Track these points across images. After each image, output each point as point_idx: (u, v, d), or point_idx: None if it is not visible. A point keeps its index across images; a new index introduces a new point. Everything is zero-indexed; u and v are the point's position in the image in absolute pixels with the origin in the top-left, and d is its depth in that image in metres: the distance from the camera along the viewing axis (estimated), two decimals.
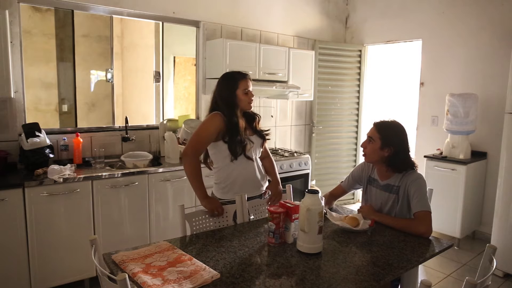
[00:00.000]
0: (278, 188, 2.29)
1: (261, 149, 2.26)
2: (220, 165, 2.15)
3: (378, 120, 2.07)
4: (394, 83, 5.46)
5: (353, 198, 5.06)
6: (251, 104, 2.14)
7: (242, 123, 2.15)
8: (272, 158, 2.41)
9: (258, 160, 2.24)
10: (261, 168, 2.25)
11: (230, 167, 2.12)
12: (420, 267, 2.23)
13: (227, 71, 2.28)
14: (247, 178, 2.16)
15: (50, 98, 4.18)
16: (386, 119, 2.06)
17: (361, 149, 2.09)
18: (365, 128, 4.87)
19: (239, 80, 2.10)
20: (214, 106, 2.15)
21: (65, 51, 4.08)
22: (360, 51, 4.83)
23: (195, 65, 3.86)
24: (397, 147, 1.97)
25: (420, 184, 1.93)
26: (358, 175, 2.22)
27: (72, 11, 3.59)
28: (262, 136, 2.23)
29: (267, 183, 2.32)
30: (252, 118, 2.22)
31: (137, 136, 3.41)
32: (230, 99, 2.09)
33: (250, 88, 2.13)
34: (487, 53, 3.74)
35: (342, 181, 2.33)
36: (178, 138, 3.25)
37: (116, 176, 2.74)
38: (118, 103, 4.56)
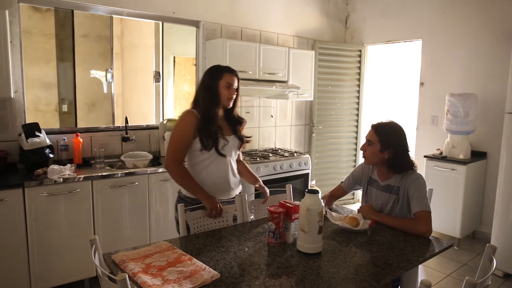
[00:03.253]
0: (259, 183, 2.21)
1: (238, 152, 2.18)
2: (193, 161, 2.05)
3: (375, 122, 2.05)
4: (394, 83, 5.46)
5: (353, 198, 5.06)
6: (231, 102, 2.04)
7: (219, 116, 2.05)
8: (244, 161, 2.32)
9: (234, 162, 2.14)
10: (235, 171, 2.14)
11: (202, 164, 2.02)
12: (420, 267, 2.23)
13: None
14: (219, 177, 2.05)
15: (50, 98, 4.18)
16: (384, 121, 2.04)
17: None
18: (365, 128, 4.87)
19: (224, 72, 2.02)
20: (195, 98, 2.07)
21: (65, 51, 4.07)
22: (360, 51, 4.83)
23: (195, 65, 3.86)
24: (397, 148, 1.97)
25: (420, 184, 1.93)
26: (358, 176, 2.22)
27: (72, 11, 3.59)
28: (241, 138, 2.13)
29: (240, 188, 2.20)
30: (237, 122, 2.13)
31: (137, 136, 3.41)
32: (211, 89, 2.00)
33: (235, 86, 2.04)
34: (487, 53, 3.74)
35: (342, 182, 2.32)
36: None
37: (116, 176, 2.74)
38: (118, 103, 4.56)
